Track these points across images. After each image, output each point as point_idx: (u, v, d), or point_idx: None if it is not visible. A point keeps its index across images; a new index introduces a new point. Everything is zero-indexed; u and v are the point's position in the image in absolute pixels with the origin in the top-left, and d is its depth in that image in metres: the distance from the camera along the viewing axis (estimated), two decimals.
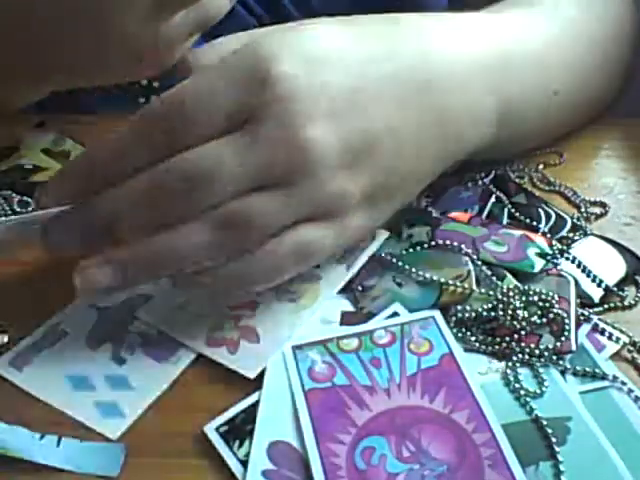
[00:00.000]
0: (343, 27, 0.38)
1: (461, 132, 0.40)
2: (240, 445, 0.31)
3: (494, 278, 0.38)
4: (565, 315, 0.36)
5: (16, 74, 0.44)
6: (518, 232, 0.41)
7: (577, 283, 0.38)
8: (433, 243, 0.40)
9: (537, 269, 0.39)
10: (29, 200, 0.46)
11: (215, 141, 0.33)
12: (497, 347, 0.35)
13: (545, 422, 0.32)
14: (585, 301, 0.38)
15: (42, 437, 0.32)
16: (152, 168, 0.33)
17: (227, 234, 0.33)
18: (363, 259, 0.39)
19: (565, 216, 0.43)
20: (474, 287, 0.37)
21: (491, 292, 0.37)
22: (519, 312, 0.36)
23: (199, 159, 0.33)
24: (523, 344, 0.35)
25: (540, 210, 0.44)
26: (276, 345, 0.35)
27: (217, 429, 0.32)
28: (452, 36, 0.41)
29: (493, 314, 0.36)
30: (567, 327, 0.35)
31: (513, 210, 0.43)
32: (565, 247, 0.40)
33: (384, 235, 0.40)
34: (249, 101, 0.33)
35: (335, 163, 0.34)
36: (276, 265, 0.35)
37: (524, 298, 0.36)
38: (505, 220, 0.43)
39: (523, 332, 0.35)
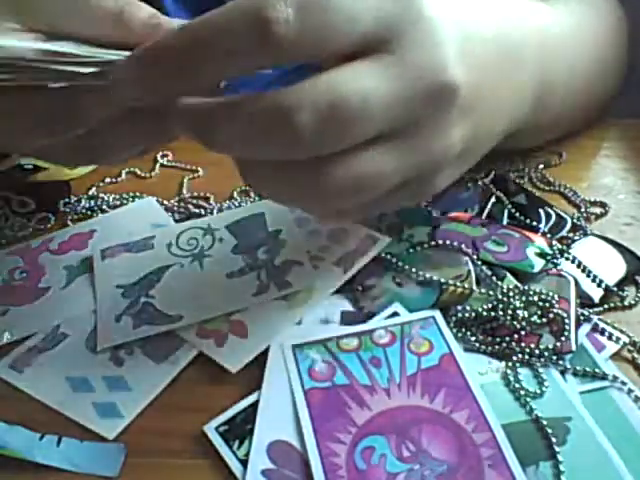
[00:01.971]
0: None
1: (516, 104, 0.38)
2: (240, 445, 0.31)
3: (494, 278, 0.38)
4: (565, 315, 0.36)
5: None
6: (518, 232, 0.41)
7: (577, 283, 0.38)
8: (433, 243, 0.40)
9: (537, 269, 0.39)
10: (29, 200, 0.46)
11: (354, 66, 0.27)
12: (497, 347, 0.35)
13: (545, 422, 0.32)
14: (585, 301, 0.38)
15: (42, 437, 0.32)
16: (280, 91, 0.27)
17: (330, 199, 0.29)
18: (361, 263, 0.39)
19: (565, 216, 0.43)
20: (474, 287, 0.37)
21: (491, 292, 0.37)
22: (519, 312, 0.36)
23: (341, 91, 0.27)
24: (523, 344, 0.35)
25: (540, 210, 0.44)
26: (263, 343, 0.35)
27: (217, 429, 0.32)
28: (521, 11, 0.40)
29: (493, 314, 0.36)
30: (567, 327, 0.35)
31: (513, 210, 0.43)
32: (565, 247, 0.40)
33: (385, 241, 0.40)
34: (392, 18, 0.28)
35: (459, 109, 0.30)
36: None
37: (524, 298, 0.36)
38: (505, 220, 0.43)
39: (523, 332, 0.35)
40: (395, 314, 0.37)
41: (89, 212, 0.46)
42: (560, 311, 0.36)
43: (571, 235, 0.42)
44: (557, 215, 0.43)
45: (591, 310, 0.37)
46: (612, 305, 0.38)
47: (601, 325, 0.36)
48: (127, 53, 0.28)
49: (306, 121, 0.26)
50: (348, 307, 0.38)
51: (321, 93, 0.27)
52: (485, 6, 0.36)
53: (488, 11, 0.36)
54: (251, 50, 0.26)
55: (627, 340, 0.36)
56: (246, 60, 0.27)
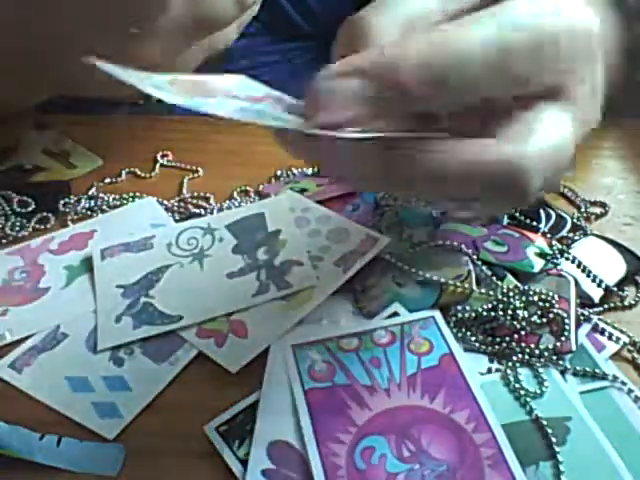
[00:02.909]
0: None
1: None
2: (240, 445, 0.31)
3: (494, 278, 0.38)
4: (565, 315, 0.36)
5: (31, 74, 0.44)
6: (518, 232, 0.41)
7: (577, 283, 0.38)
8: (433, 243, 0.40)
9: (537, 269, 0.39)
10: (29, 200, 0.46)
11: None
12: (497, 347, 0.35)
13: (545, 422, 0.32)
14: (585, 301, 0.38)
15: (42, 437, 0.32)
16: None
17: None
18: (361, 263, 0.39)
19: (565, 216, 0.43)
20: (474, 287, 0.37)
21: (491, 292, 0.37)
22: (519, 312, 0.36)
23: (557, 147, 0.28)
24: (523, 344, 0.35)
25: (540, 210, 0.44)
26: (263, 343, 0.35)
27: (217, 429, 0.32)
28: None
29: (493, 314, 0.36)
30: (567, 327, 0.35)
31: (513, 210, 0.43)
32: (565, 247, 0.40)
33: (385, 241, 0.40)
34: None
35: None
36: None
37: (524, 298, 0.36)
38: (505, 220, 0.43)
39: (523, 332, 0.35)
40: (395, 314, 0.37)
41: (89, 212, 0.46)
42: (560, 311, 0.36)
43: (571, 235, 0.42)
44: (557, 215, 0.43)
45: (591, 310, 0.37)
46: (612, 305, 0.38)
47: (601, 325, 0.36)
48: None
49: (536, 183, 0.27)
50: (348, 307, 0.38)
51: (548, 156, 0.27)
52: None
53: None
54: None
55: (627, 340, 0.36)
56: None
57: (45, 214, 0.45)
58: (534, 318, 0.36)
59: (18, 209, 0.45)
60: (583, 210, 0.44)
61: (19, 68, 0.43)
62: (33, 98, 0.48)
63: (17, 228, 0.44)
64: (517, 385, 0.34)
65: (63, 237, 0.43)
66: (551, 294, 0.36)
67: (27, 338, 0.37)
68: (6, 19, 0.41)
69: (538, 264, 0.39)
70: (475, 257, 0.39)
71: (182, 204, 0.46)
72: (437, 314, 0.37)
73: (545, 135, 0.27)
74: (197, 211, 0.45)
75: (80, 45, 0.41)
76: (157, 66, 0.39)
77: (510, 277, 0.38)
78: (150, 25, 0.38)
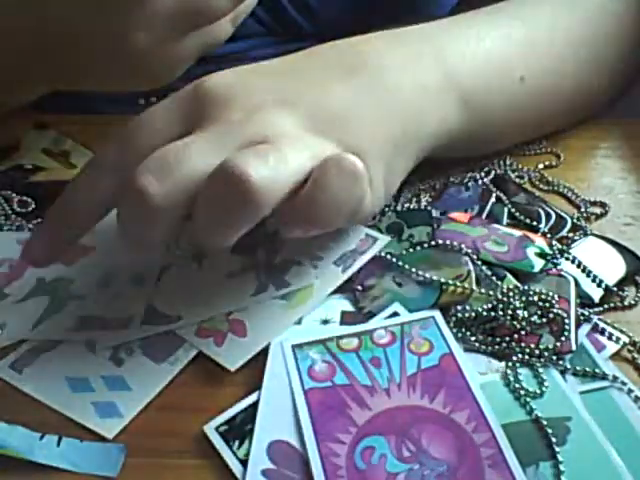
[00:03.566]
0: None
1: (419, 117, 0.40)
2: (240, 445, 0.31)
3: (494, 278, 0.38)
4: (565, 315, 0.36)
5: (25, 73, 0.45)
6: (518, 232, 0.41)
7: (577, 283, 0.38)
8: (433, 243, 0.40)
9: (537, 269, 0.39)
10: (29, 200, 0.46)
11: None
12: (497, 347, 0.35)
13: (545, 422, 0.32)
14: (585, 301, 0.38)
15: (42, 437, 0.32)
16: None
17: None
18: (360, 262, 0.39)
19: (565, 216, 0.43)
20: (474, 287, 0.37)
21: (491, 292, 0.37)
22: (519, 312, 0.36)
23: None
24: (523, 344, 0.35)
25: (540, 210, 0.44)
26: (262, 342, 0.35)
27: (217, 429, 0.32)
28: (397, 51, 0.41)
29: (493, 314, 0.36)
30: (567, 327, 0.35)
31: (513, 210, 0.43)
32: (565, 247, 0.40)
33: (384, 240, 0.40)
34: (188, 119, 0.35)
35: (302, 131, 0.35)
36: None
37: (524, 298, 0.36)
38: (505, 220, 0.43)
39: (523, 332, 0.35)
40: (395, 314, 0.37)
41: None
42: (560, 311, 0.36)
43: (571, 235, 0.42)
44: (557, 215, 0.43)
45: (591, 310, 0.37)
46: (612, 305, 0.38)
47: (601, 325, 0.36)
48: None
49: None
50: (348, 307, 0.38)
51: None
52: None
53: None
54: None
55: (627, 340, 0.36)
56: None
57: (45, 214, 0.45)
58: (534, 318, 0.36)
59: (18, 209, 0.45)
60: (583, 210, 0.44)
61: (19, 65, 0.43)
62: (32, 94, 0.48)
63: (17, 228, 0.44)
64: (517, 385, 0.34)
65: None
66: (551, 294, 0.36)
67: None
68: (7, 19, 0.41)
69: (538, 264, 0.39)
70: (475, 257, 0.39)
71: None
72: (437, 314, 0.37)
73: None
74: None
75: (80, 39, 0.41)
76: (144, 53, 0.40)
77: (510, 277, 0.38)
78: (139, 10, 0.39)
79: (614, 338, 0.36)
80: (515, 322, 0.36)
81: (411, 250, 0.40)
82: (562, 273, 0.38)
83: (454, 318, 0.36)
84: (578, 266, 0.39)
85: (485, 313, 0.36)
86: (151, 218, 0.32)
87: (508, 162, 0.48)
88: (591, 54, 0.49)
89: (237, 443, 0.31)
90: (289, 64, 0.39)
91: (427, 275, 0.38)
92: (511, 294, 0.36)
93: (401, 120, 0.38)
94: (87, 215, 0.35)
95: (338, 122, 0.36)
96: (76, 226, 0.36)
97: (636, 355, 0.35)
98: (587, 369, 0.34)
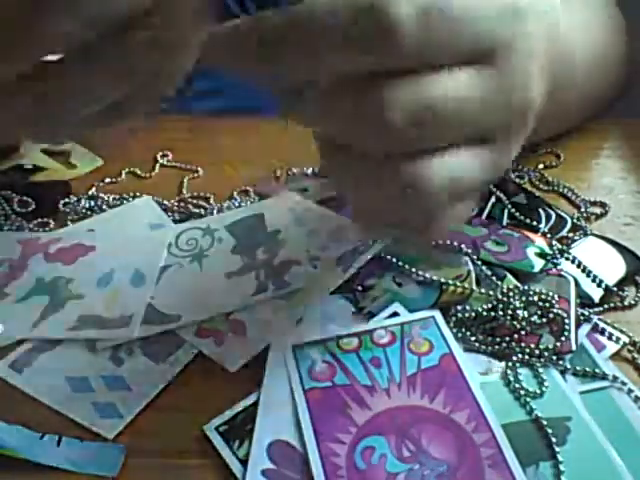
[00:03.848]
0: None
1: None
2: (240, 445, 0.31)
3: (494, 278, 0.38)
4: (565, 315, 0.36)
5: None
6: (518, 232, 0.41)
7: (577, 283, 0.38)
8: (433, 243, 0.40)
9: (537, 269, 0.39)
10: (29, 200, 0.46)
11: (454, 74, 0.27)
12: (497, 347, 0.35)
13: (545, 422, 0.32)
14: (585, 301, 0.38)
15: (42, 437, 0.32)
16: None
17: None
18: (360, 263, 0.39)
19: (565, 216, 0.43)
20: (474, 287, 0.37)
21: (491, 292, 0.37)
22: (519, 312, 0.36)
23: (438, 96, 0.27)
24: (523, 344, 0.35)
25: (540, 210, 0.44)
26: (262, 342, 0.35)
27: (217, 429, 0.32)
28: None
29: (493, 314, 0.36)
30: (567, 327, 0.35)
31: (513, 210, 0.43)
32: (565, 247, 0.40)
33: (385, 241, 0.40)
34: (501, 31, 0.28)
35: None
36: None
37: (524, 298, 0.36)
38: (505, 220, 0.43)
39: (523, 332, 0.35)
40: (395, 314, 0.37)
41: (89, 212, 0.46)
42: (560, 311, 0.36)
43: (571, 235, 0.42)
44: (557, 215, 0.43)
45: (591, 310, 0.37)
46: (612, 305, 0.38)
47: (601, 325, 0.36)
48: None
49: (398, 120, 0.26)
50: (348, 307, 0.38)
51: (418, 94, 0.26)
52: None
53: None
54: (370, 45, 0.25)
55: (627, 340, 0.36)
56: (362, 55, 0.26)
57: (45, 214, 0.45)
58: (534, 318, 0.36)
59: (18, 209, 0.45)
60: (583, 210, 0.44)
61: None
62: None
63: (16, 228, 0.44)
64: (517, 385, 0.34)
65: (66, 242, 0.42)
66: (551, 294, 0.36)
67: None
68: None
69: (538, 264, 0.39)
70: (475, 257, 0.39)
71: (182, 204, 0.46)
72: (437, 314, 0.37)
73: None
74: (197, 211, 0.45)
75: None
76: None
77: (510, 277, 0.38)
78: None
79: (614, 338, 0.36)
80: (515, 322, 0.36)
81: (411, 250, 0.40)
82: (562, 273, 0.38)
83: (454, 318, 0.36)
84: (578, 266, 0.39)
85: (485, 313, 0.36)
86: None
87: None
88: (610, 52, 0.50)
89: (237, 443, 0.31)
90: None
91: (427, 275, 0.38)
92: (511, 294, 0.36)
93: None
94: None
95: None
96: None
97: (636, 355, 0.35)
98: (587, 369, 0.34)
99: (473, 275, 0.38)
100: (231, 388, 0.34)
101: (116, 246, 0.42)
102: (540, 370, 0.34)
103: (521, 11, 0.28)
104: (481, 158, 0.29)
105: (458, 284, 0.37)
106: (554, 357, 0.35)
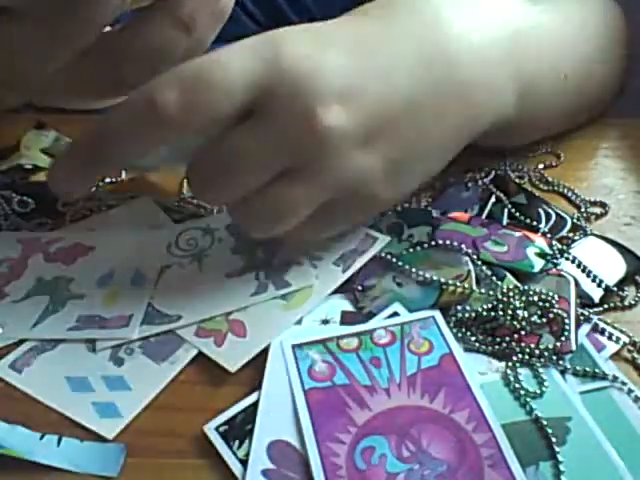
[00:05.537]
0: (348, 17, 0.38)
1: (480, 107, 0.39)
2: (240, 445, 0.31)
3: (494, 278, 0.38)
4: (565, 315, 0.36)
5: None
6: (518, 232, 0.41)
7: (577, 283, 0.38)
8: (433, 243, 0.40)
9: (537, 269, 0.39)
10: (29, 200, 0.46)
11: (232, 130, 0.33)
12: (497, 347, 0.35)
13: (545, 422, 0.32)
14: (585, 301, 0.38)
15: (42, 437, 0.32)
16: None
17: (257, 226, 0.36)
18: (360, 262, 0.39)
19: (565, 216, 0.43)
20: (474, 287, 0.37)
21: (491, 292, 0.37)
22: (519, 312, 0.36)
23: (224, 154, 0.33)
24: (523, 344, 0.35)
25: (540, 210, 0.44)
26: (262, 342, 0.35)
27: (217, 429, 0.32)
28: (469, 14, 0.40)
29: (493, 314, 0.36)
30: (567, 327, 0.35)
31: (513, 210, 0.43)
32: (565, 247, 0.40)
33: (384, 240, 0.40)
34: (262, 81, 0.32)
35: (351, 144, 0.34)
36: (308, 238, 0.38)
37: (524, 298, 0.36)
38: (505, 220, 0.43)
39: (523, 332, 0.35)
40: (395, 314, 0.37)
41: (89, 212, 0.46)
42: (560, 311, 0.36)
43: (571, 235, 0.42)
44: (557, 215, 0.43)
45: (591, 310, 0.37)
46: (612, 305, 0.38)
47: (601, 325, 0.36)
48: None
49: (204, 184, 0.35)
50: (348, 307, 0.38)
51: (213, 157, 0.33)
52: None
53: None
54: (149, 130, 0.33)
55: (627, 340, 0.36)
56: (147, 139, 0.33)
57: (45, 214, 0.45)
58: (534, 318, 0.36)
59: (18, 209, 0.45)
60: (583, 210, 0.44)
61: None
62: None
63: (16, 228, 0.44)
64: (517, 385, 0.34)
65: (66, 243, 0.42)
66: (551, 294, 0.36)
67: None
68: None
69: (538, 264, 0.39)
70: (475, 257, 0.39)
71: (182, 204, 0.46)
72: (437, 314, 0.37)
73: None
74: (197, 211, 0.45)
75: None
76: None
77: (510, 277, 0.38)
78: None
79: (614, 338, 0.36)
80: (515, 322, 0.36)
81: (411, 250, 0.40)
82: (562, 273, 0.38)
83: (454, 318, 0.36)
84: (578, 266, 0.39)
85: (485, 313, 0.36)
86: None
87: (508, 162, 0.48)
88: (612, 52, 0.50)
89: (237, 443, 0.31)
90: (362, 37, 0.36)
91: (427, 275, 0.38)
92: (511, 294, 0.36)
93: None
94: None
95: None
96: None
97: (636, 355, 0.36)
98: (587, 369, 0.34)
99: (473, 275, 0.38)
100: (231, 388, 0.34)
101: (116, 246, 0.42)
102: (540, 370, 0.34)
103: (280, 60, 0.33)
104: (301, 185, 0.34)
105: (458, 284, 0.37)
106: (554, 357, 0.35)
